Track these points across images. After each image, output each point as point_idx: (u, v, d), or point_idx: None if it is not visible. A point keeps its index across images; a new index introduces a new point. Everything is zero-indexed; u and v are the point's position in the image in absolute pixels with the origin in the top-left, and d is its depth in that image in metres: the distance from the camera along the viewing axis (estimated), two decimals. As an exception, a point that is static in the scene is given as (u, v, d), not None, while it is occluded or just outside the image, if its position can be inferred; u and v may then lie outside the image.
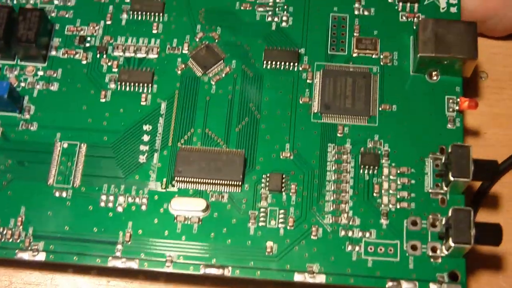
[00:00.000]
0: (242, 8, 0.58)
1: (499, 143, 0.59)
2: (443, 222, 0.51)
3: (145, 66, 0.56)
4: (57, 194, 0.53)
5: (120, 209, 0.52)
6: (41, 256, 0.51)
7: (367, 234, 0.51)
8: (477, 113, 0.59)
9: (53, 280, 0.55)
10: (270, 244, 0.51)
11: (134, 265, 0.51)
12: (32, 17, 0.54)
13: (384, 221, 0.51)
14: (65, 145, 0.54)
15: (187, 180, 0.52)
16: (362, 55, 0.56)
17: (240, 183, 0.52)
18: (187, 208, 0.52)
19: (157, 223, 0.52)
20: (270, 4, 0.58)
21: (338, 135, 0.54)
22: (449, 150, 0.51)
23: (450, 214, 0.49)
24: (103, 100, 0.55)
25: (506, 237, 0.51)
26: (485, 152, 0.58)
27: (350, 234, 0.51)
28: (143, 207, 0.52)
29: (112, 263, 0.51)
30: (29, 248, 0.51)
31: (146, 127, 0.54)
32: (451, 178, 0.50)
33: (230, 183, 0.52)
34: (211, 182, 0.52)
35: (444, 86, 0.55)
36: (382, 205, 0.52)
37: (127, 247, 0.51)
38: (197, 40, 0.57)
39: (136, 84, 0.55)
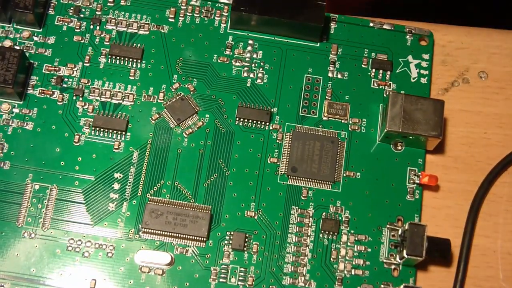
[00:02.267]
0: (219, 61, 0.59)
1: (499, 143, 0.60)
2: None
3: (120, 112, 0.57)
4: (26, 235, 0.54)
5: (87, 255, 0.54)
6: (7, 296, 0.53)
7: (321, 298, 0.55)
8: (477, 113, 0.60)
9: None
10: (229, 301, 0.54)
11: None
12: (11, 58, 0.55)
13: (338, 287, 0.54)
14: (37, 187, 0.55)
15: (154, 232, 0.54)
16: (332, 119, 0.58)
17: (204, 239, 0.54)
18: (152, 260, 0.54)
19: (123, 272, 0.53)
20: (247, 59, 0.59)
21: (302, 198, 0.56)
22: (406, 227, 0.54)
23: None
24: (77, 144, 0.56)
25: (506, 237, 0.56)
26: (486, 152, 0.59)
27: (305, 296, 0.55)
28: (110, 255, 0.54)
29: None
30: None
31: (117, 175, 0.56)
32: (405, 255, 0.53)
33: (195, 238, 0.54)
34: (177, 236, 0.54)
35: (407, 157, 0.57)
36: (338, 271, 0.54)
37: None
38: (173, 90, 0.58)
39: (110, 131, 0.56)
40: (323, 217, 0.55)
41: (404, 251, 0.53)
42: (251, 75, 0.59)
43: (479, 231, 0.57)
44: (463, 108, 0.60)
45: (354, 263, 0.54)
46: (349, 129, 0.58)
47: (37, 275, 0.53)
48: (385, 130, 0.55)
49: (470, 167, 0.59)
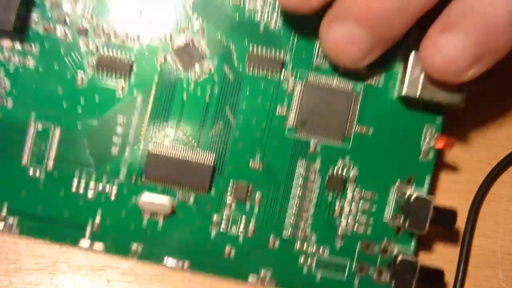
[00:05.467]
0: (231, 3, 0.54)
1: (499, 143, 0.59)
2: (395, 251, 0.54)
3: (126, 54, 0.53)
4: (31, 174, 0.54)
5: (90, 196, 0.54)
6: (15, 230, 0.54)
7: (321, 251, 0.54)
8: (477, 113, 0.59)
9: (53, 279, 0.57)
10: (228, 250, 0.54)
11: (99, 247, 0.54)
12: (11, -4, 0.51)
13: (339, 242, 0.54)
14: (39, 126, 0.54)
15: (156, 179, 0.53)
16: (348, 71, 0.54)
17: (207, 189, 0.54)
18: (154, 205, 0.54)
19: (125, 215, 0.54)
20: (262, 2, 0.54)
21: (310, 152, 0.54)
22: (412, 199, 0.52)
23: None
24: (80, 86, 0.54)
25: (506, 237, 0.56)
26: (486, 151, 0.59)
27: (304, 248, 0.54)
28: (112, 198, 0.54)
29: (81, 243, 0.54)
30: (4, 221, 0.54)
31: (121, 119, 0.54)
32: (407, 227, 0.52)
33: (197, 187, 0.54)
34: (179, 184, 0.53)
35: (424, 116, 0.54)
36: (340, 227, 0.54)
37: (95, 234, 0.54)
38: (183, 33, 0.54)
39: (114, 73, 0.54)
40: (329, 174, 0.54)
41: (407, 223, 0.52)
42: (265, 19, 0.55)
43: (479, 231, 0.57)
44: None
45: (357, 220, 0.54)
46: (365, 82, 0.54)
47: (43, 213, 0.53)
48: (402, 94, 0.52)
49: (470, 167, 0.57)
